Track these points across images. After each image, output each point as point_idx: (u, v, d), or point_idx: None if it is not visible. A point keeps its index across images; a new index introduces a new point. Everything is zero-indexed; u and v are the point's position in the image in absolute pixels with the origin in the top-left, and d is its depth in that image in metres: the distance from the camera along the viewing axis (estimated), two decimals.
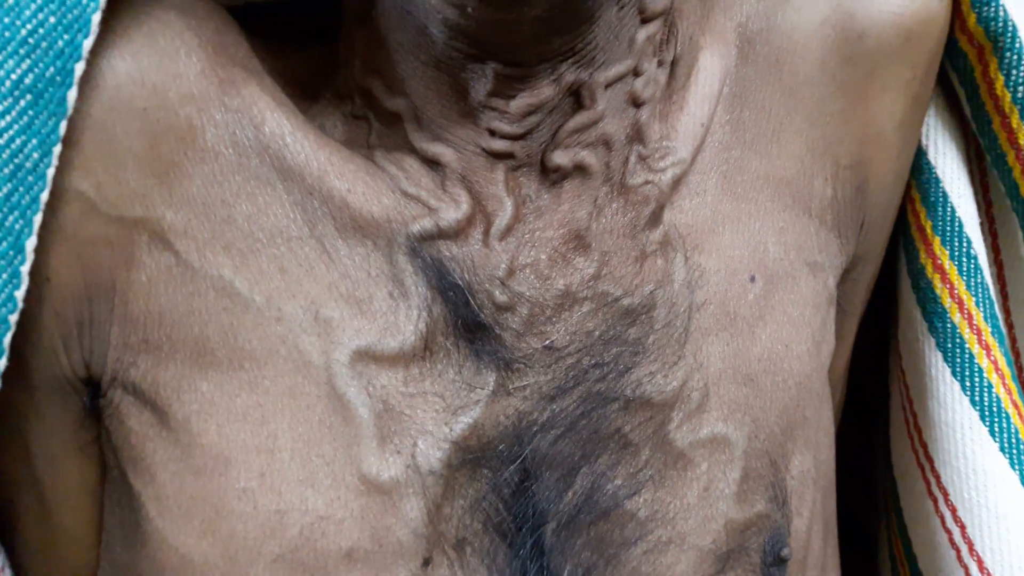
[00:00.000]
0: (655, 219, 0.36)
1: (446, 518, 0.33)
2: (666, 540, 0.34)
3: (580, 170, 0.35)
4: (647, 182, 0.36)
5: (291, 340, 0.33)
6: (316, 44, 0.40)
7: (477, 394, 0.33)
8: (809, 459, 0.38)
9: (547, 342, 0.34)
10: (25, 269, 0.31)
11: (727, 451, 0.35)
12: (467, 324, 0.34)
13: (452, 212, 0.34)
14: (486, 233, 0.34)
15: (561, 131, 0.35)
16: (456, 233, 0.34)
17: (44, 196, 0.31)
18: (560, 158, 0.35)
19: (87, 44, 0.31)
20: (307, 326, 0.33)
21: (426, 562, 0.33)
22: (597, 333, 0.34)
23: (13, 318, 0.32)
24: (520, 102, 0.34)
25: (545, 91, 0.34)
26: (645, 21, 0.35)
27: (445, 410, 0.33)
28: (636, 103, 0.36)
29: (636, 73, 0.35)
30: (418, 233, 0.34)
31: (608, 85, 0.35)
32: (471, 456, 0.33)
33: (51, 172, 0.31)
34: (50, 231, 0.32)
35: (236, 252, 0.34)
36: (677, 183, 0.37)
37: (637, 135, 0.36)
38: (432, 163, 0.35)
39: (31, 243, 0.31)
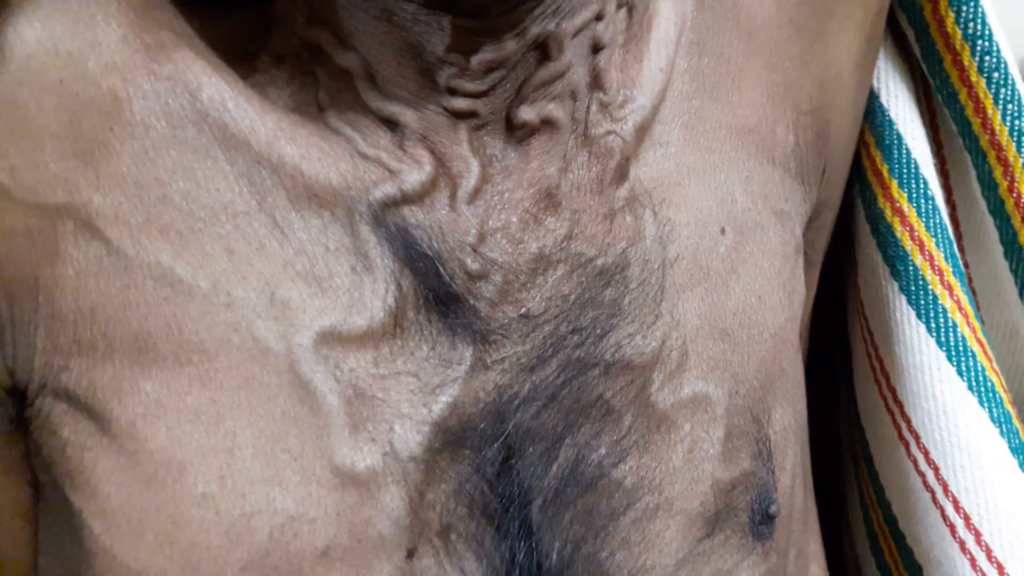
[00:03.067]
0: (621, 173, 0.34)
1: (429, 505, 0.31)
2: (654, 507, 0.33)
3: (548, 124, 0.33)
4: (609, 132, 0.34)
5: (244, 327, 0.31)
6: (241, 8, 0.36)
7: (454, 371, 0.31)
8: (789, 412, 0.37)
9: (523, 310, 0.32)
10: None
11: (709, 409, 0.34)
12: (439, 296, 0.31)
13: (415, 174, 0.32)
14: (452, 197, 0.32)
15: (527, 85, 0.32)
16: (420, 197, 0.32)
17: None
18: (527, 113, 0.32)
19: None
20: (261, 310, 0.31)
21: (410, 553, 0.30)
22: (573, 297, 0.32)
23: None
24: (481, 57, 0.31)
25: (509, 45, 0.31)
26: None
27: (421, 390, 0.31)
28: (596, 48, 0.34)
29: (599, 17, 0.33)
30: (380, 199, 0.31)
31: (575, 34, 0.33)
32: (452, 437, 0.31)
33: None
34: None
35: (175, 234, 0.31)
36: (640, 134, 0.35)
37: (596, 82, 0.34)
38: (389, 123, 0.32)
39: None
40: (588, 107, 0.34)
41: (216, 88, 0.31)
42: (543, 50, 0.32)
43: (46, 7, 0.30)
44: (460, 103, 0.32)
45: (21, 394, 0.32)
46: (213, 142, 0.31)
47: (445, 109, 0.32)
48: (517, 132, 0.33)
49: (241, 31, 0.35)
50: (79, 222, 0.30)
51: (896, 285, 0.43)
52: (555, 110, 0.33)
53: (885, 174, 0.43)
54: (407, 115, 0.32)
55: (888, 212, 0.43)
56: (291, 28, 0.33)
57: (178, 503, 0.30)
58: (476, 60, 0.31)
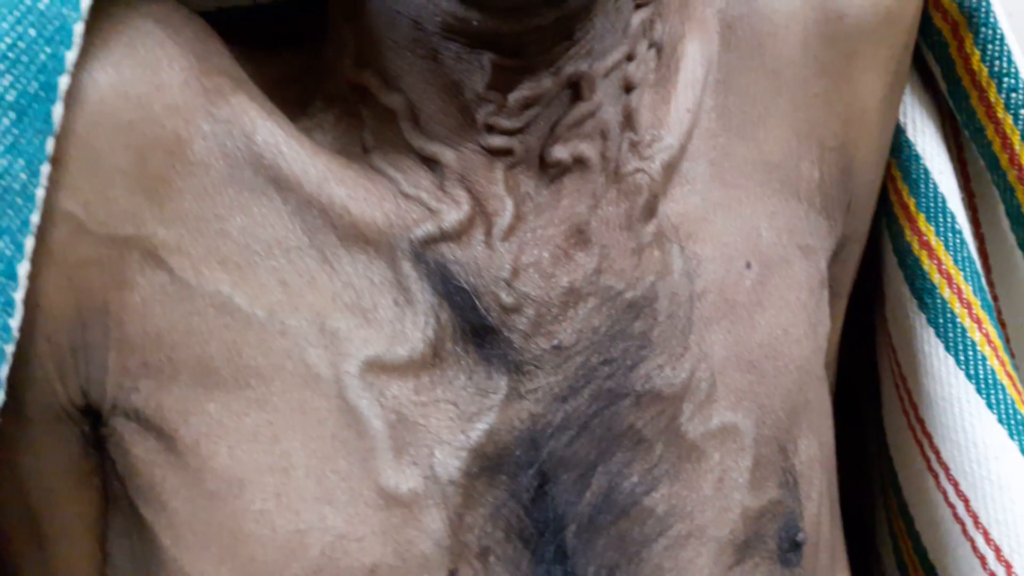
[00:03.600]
0: (650, 210, 0.36)
1: (468, 528, 0.32)
2: (686, 534, 0.34)
3: (579, 163, 0.35)
4: (638, 170, 0.35)
5: (297, 354, 0.33)
6: (289, 50, 0.39)
7: (490, 399, 0.33)
8: (814, 442, 0.38)
9: (555, 342, 0.34)
10: (19, 296, 0.30)
11: (737, 440, 0.35)
12: (475, 328, 0.33)
13: (454, 213, 0.33)
14: (488, 234, 0.34)
15: (559, 124, 0.34)
16: (459, 234, 0.33)
17: (35, 218, 0.30)
18: (560, 152, 0.34)
19: (71, 56, 0.30)
20: (313, 339, 0.33)
21: (451, 573, 0.32)
22: (603, 329, 0.34)
23: (9, 349, 0.30)
24: (518, 94, 0.33)
25: (544, 83, 0.33)
26: (640, 6, 0.35)
27: (459, 417, 0.33)
28: (627, 88, 0.36)
29: (630, 58, 0.35)
30: (421, 237, 0.33)
31: (606, 74, 0.34)
32: (488, 463, 0.33)
33: (40, 193, 0.30)
34: (39, 255, 0.31)
35: (233, 266, 0.33)
36: (668, 172, 0.36)
37: (628, 122, 0.36)
38: (430, 163, 0.34)
39: (24, 268, 0.30)
40: (619, 146, 0.35)
41: (270, 132, 0.33)
42: (576, 89, 0.34)
43: (116, 52, 0.32)
44: (497, 140, 0.34)
45: (95, 414, 0.34)
46: (268, 182, 0.33)
47: (482, 147, 0.34)
48: (549, 170, 0.34)
49: (292, 70, 0.37)
50: (145, 253, 0.33)
51: (924, 318, 0.43)
52: (587, 149, 0.34)
53: (912, 208, 0.44)
54: (447, 155, 0.34)
55: (916, 245, 0.44)
56: (340, 70, 0.36)
57: (238, 519, 0.32)
58: (513, 97, 0.33)
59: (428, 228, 0.33)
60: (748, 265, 0.37)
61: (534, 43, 0.32)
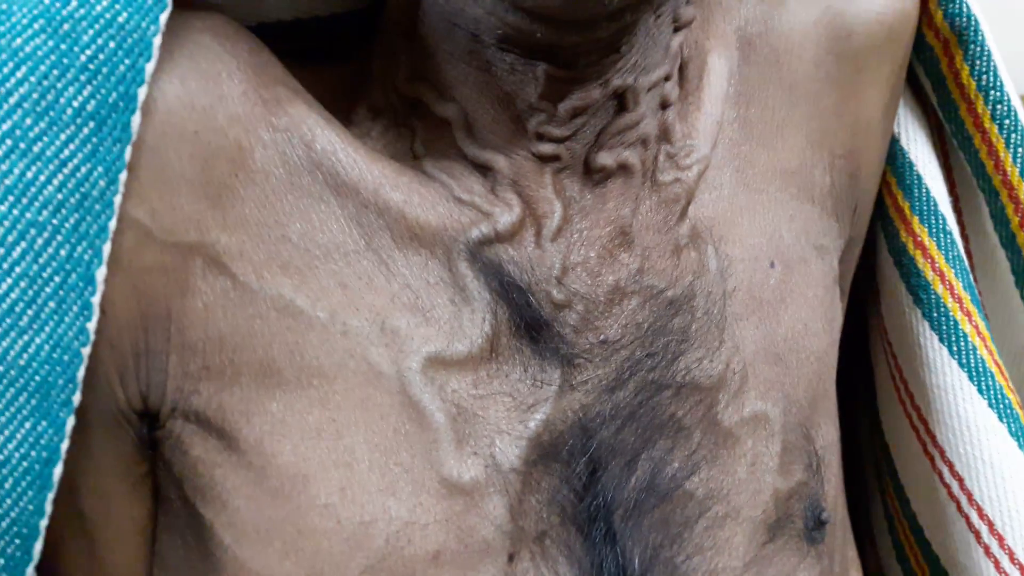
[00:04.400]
0: (683, 214, 0.38)
1: (526, 513, 0.34)
2: (723, 515, 0.36)
3: (623, 169, 0.37)
4: (676, 179, 0.38)
5: (359, 353, 0.34)
6: (333, 64, 0.40)
7: (545, 391, 0.35)
8: (832, 428, 0.41)
9: (602, 336, 0.36)
10: (96, 300, 0.31)
11: (767, 427, 0.38)
12: (529, 324, 0.35)
13: (506, 216, 0.35)
14: (538, 235, 0.36)
15: (605, 133, 0.36)
16: (511, 236, 0.35)
17: (112, 224, 0.31)
18: (605, 159, 0.36)
19: (149, 68, 0.31)
20: (374, 338, 0.34)
21: (511, 557, 0.34)
22: (646, 325, 0.36)
23: (86, 351, 0.31)
24: (568, 104, 0.35)
25: (593, 93, 0.35)
26: (677, 30, 0.37)
27: (517, 408, 0.34)
28: (664, 105, 0.38)
29: (667, 77, 0.37)
30: (476, 238, 0.35)
31: (650, 89, 0.36)
32: (545, 452, 0.35)
33: (117, 199, 0.31)
34: (108, 261, 0.32)
35: (294, 270, 0.34)
36: (699, 178, 0.39)
37: (665, 135, 0.38)
38: (482, 169, 0.36)
39: (101, 273, 0.31)
40: (656, 157, 0.38)
41: (328, 140, 0.35)
42: (621, 101, 0.36)
43: (181, 65, 0.33)
44: (546, 148, 0.36)
45: (152, 416, 0.35)
46: (326, 188, 0.35)
47: (532, 154, 0.36)
48: (594, 176, 0.36)
49: (339, 83, 0.39)
50: (207, 259, 0.34)
51: (919, 312, 0.47)
52: (630, 156, 0.37)
53: (907, 211, 0.47)
54: (499, 161, 0.36)
55: (910, 245, 0.47)
56: (391, 84, 0.37)
57: (303, 513, 0.33)
58: (563, 107, 0.35)
59: (483, 230, 0.35)
60: (772, 264, 0.39)
61: (585, 55, 0.34)
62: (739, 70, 0.41)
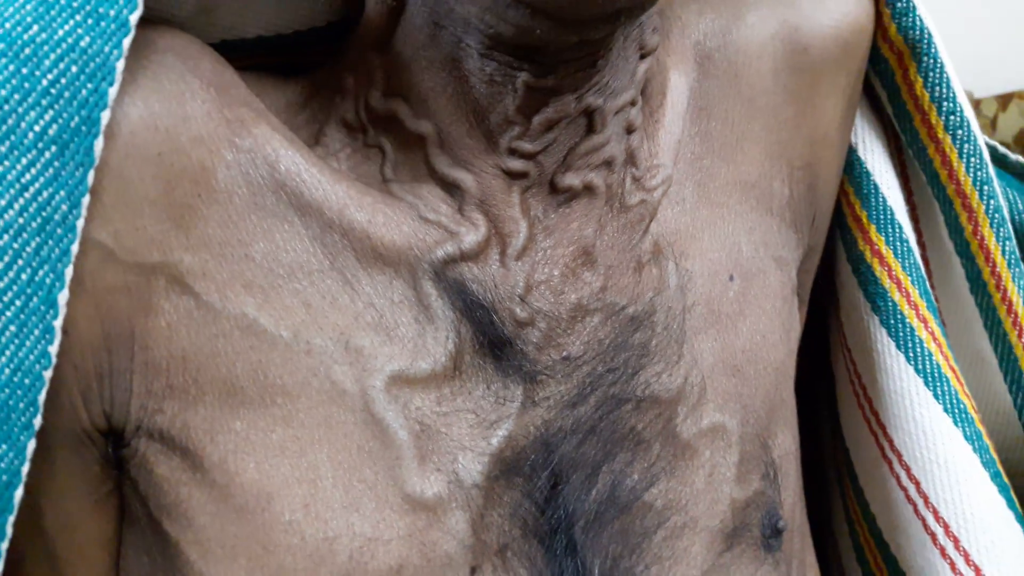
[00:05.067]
0: (646, 231, 0.39)
1: (488, 528, 0.35)
2: (681, 525, 0.37)
3: (588, 191, 0.37)
4: (642, 201, 0.39)
5: (323, 372, 0.34)
6: (294, 79, 0.40)
7: (508, 407, 0.35)
8: (789, 437, 0.42)
9: (564, 353, 0.36)
10: (58, 324, 0.31)
11: (725, 438, 0.39)
12: (492, 341, 0.35)
13: (472, 235, 0.36)
14: (503, 254, 0.36)
15: (572, 154, 0.37)
16: (476, 255, 0.36)
17: (75, 248, 0.31)
18: (571, 179, 0.37)
19: (112, 92, 0.31)
20: (338, 356, 0.34)
21: (473, 570, 0.34)
22: (607, 341, 0.37)
23: (48, 374, 0.31)
24: (543, 116, 0.35)
25: (568, 106, 0.35)
26: (643, 57, 0.38)
27: (479, 424, 0.35)
28: (629, 130, 0.39)
29: (633, 103, 0.38)
30: (442, 257, 0.35)
31: (616, 112, 0.37)
32: (507, 467, 0.35)
33: (80, 223, 0.31)
34: (71, 283, 0.32)
35: (257, 289, 0.35)
36: (663, 196, 0.39)
37: (631, 159, 0.39)
38: (451, 188, 0.37)
39: (63, 297, 0.31)
40: (623, 180, 0.38)
41: (292, 160, 0.35)
42: (590, 122, 0.37)
43: (145, 86, 0.33)
44: (516, 164, 0.36)
45: (116, 435, 0.35)
46: (290, 208, 0.35)
47: (502, 171, 0.36)
48: (560, 196, 0.37)
49: (297, 97, 0.39)
50: (171, 279, 0.34)
51: (877, 319, 0.48)
52: (595, 178, 0.37)
53: (864, 220, 0.48)
54: (468, 180, 0.36)
55: (868, 253, 0.48)
56: (364, 100, 0.37)
57: (267, 530, 0.33)
58: (538, 119, 0.35)
59: (449, 249, 0.35)
60: (731, 277, 0.40)
61: (566, 64, 0.35)
62: (699, 84, 0.42)
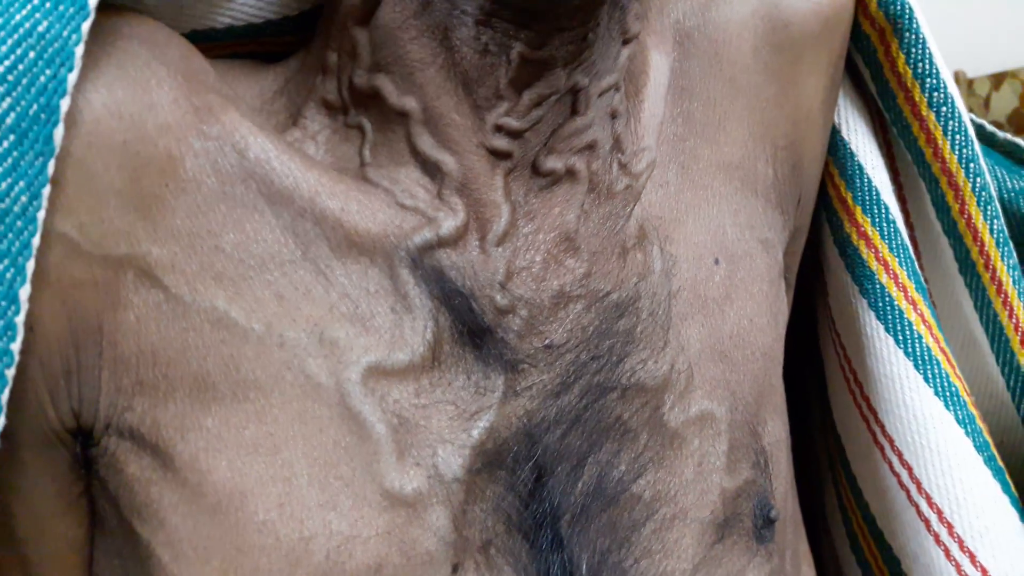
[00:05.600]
0: (630, 216, 0.38)
1: (470, 523, 0.34)
2: (671, 517, 0.36)
3: (570, 175, 0.36)
4: (628, 186, 0.38)
5: (296, 365, 0.33)
6: (268, 66, 0.39)
7: (489, 398, 0.34)
8: (779, 423, 0.41)
9: (547, 341, 0.35)
10: (20, 320, 0.30)
11: (714, 426, 0.38)
12: (472, 330, 0.34)
13: (450, 220, 0.35)
14: (483, 239, 0.35)
15: (555, 136, 0.36)
16: (455, 241, 0.35)
17: (35, 241, 0.30)
18: (554, 162, 0.36)
19: (72, 78, 0.30)
20: (312, 349, 0.33)
21: (455, 568, 0.33)
22: (591, 328, 0.36)
23: (10, 372, 0.30)
24: (533, 92, 0.35)
25: (557, 80, 0.35)
26: (626, 43, 0.37)
27: (459, 416, 0.34)
28: (614, 115, 0.38)
29: (616, 88, 0.37)
30: (419, 244, 0.34)
31: (600, 95, 0.36)
32: (489, 459, 0.34)
33: (41, 215, 0.30)
34: (33, 277, 0.31)
35: (228, 282, 0.33)
36: (648, 180, 0.39)
37: (617, 144, 0.38)
38: (432, 170, 0.35)
39: (25, 292, 0.30)
40: (610, 166, 0.37)
41: (261, 148, 0.34)
42: (574, 102, 0.36)
43: (108, 74, 0.32)
44: (501, 142, 0.35)
45: (86, 434, 0.34)
46: (260, 197, 0.34)
47: (487, 149, 0.35)
48: (541, 179, 0.36)
49: (274, 84, 0.38)
50: (139, 272, 0.33)
51: (865, 302, 0.47)
52: (577, 162, 0.36)
53: (850, 202, 0.48)
54: (449, 162, 0.35)
55: (854, 236, 0.47)
56: (347, 78, 0.36)
57: (241, 531, 0.32)
58: (528, 95, 0.35)
59: (426, 235, 0.34)
60: (716, 261, 0.39)
61: (560, 33, 0.34)
62: (679, 64, 0.41)
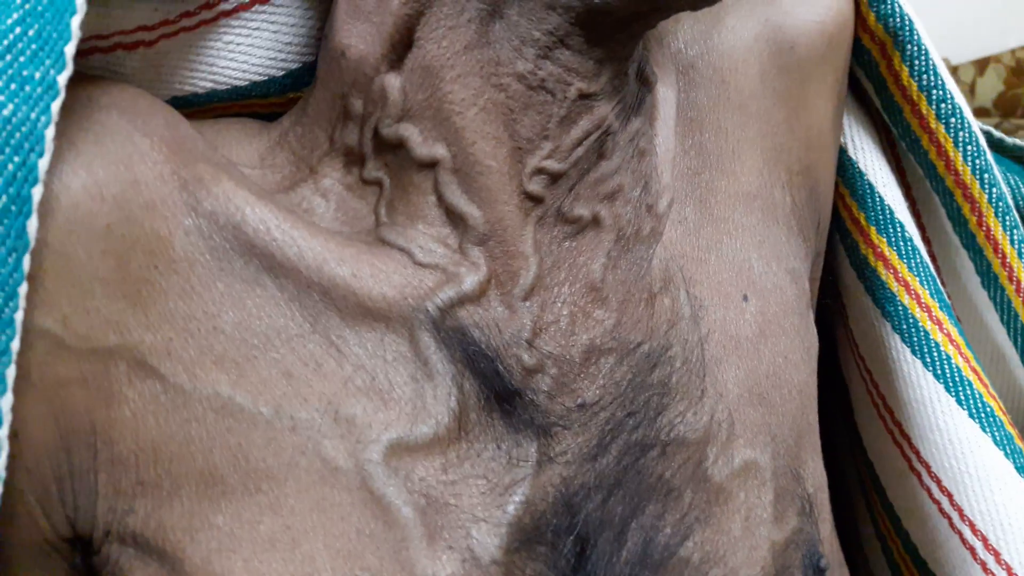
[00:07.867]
0: (652, 257, 0.36)
1: None
2: None
3: (595, 222, 0.34)
4: (653, 229, 0.36)
5: (311, 448, 0.31)
6: (261, 125, 0.37)
7: (522, 468, 0.32)
8: (818, 463, 0.39)
9: (579, 400, 0.33)
10: (4, 432, 0.27)
11: (759, 475, 0.36)
12: (499, 394, 0.32)
13: (472, 275, 0.32)
14: (507, 294, 0.33)
15: (583, 181, 0.34)
16: (477, 297, 0.32)
17: (15, 344, 0.27)
18: (581, 209, 0.34)
19: (43, 164, 0.27)
20: (327, 430, 0.31)
21: None
22: (625, 383, 0.34)
23: None
24: (579, 130, 0.33)
25: (603, 110, 0.34)
26: (648, 88, 0.36)
27: (492, 491, 0.31)
28: (642, 155, 0.36)
29: (642, 132, 0.36)
30: (440, 304, 0.32)
31: (629, 140, 0.35)
32: (527, 536, 0.31)
33: (19, 316, 0.27)
34: (16, 381, 0.28)
35: (231, 364, 0.31)
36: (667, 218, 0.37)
37: (645, 187, 0.36)
38: (455, 221, 0.33)
39: (7, 401, 0.27)
40: (637, 209, 0.36)
41: (259, 218, 0.31)
42: (602, 146, 0.34)
43: (86, 152, 0.30)
44: (538, 187, 0.34)
45: (86, 542, 0.31)
46: (261, 271, 0.31)
47: (520, 196, 0.33)
48: (568, 227, 0.34)
49: (275, 139, 0.35)
50: (132, 362, 0.30)
51: (888, 325, 0.45)
52: (603, 209, 0.34)
53: (863, 222, 0.46)
54: (475, 215, 0.33)
55: (871, 257, 0.45)
56: (372, 126, 0.33)
57: None
58: (575, 131, 0.34)
59: (448, 293, 0.32)
60: (745, 298, 0.37)
61: (610, 63, 0.34)
62: (685, 96, 0.39)
